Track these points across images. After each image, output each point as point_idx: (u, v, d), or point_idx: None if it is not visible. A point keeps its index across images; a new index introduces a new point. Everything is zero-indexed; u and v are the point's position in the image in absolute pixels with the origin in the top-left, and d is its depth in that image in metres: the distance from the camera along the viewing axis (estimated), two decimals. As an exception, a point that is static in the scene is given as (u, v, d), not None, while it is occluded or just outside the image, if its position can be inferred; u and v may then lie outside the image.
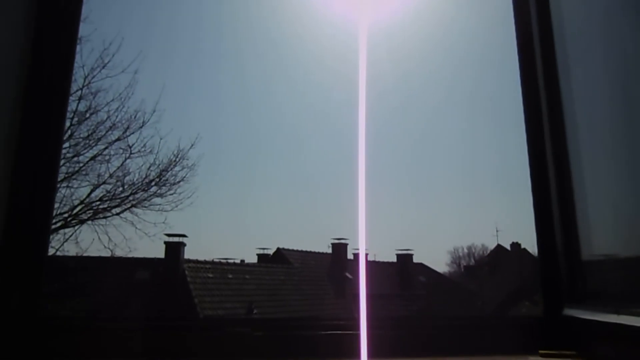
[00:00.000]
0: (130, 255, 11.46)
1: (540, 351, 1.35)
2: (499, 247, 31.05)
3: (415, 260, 24.97)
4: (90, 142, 10.80)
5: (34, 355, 1.22)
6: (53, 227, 10.57)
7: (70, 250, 10.39)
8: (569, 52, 1.51)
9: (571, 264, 1.44)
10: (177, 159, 11.85)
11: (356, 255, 23.85)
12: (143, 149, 11.30)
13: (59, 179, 10.44)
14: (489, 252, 32.99)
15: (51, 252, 10.11)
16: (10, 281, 1.22)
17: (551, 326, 1.43)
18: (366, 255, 22.32)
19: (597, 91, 1.38)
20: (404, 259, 24.51)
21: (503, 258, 29.48)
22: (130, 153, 11.17)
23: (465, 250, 36.25)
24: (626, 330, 1.08)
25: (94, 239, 10.79)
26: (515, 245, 30.06)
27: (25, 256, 1.25)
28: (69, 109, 10.02)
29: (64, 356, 1.23)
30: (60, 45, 1.38)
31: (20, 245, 1.25)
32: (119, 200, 11.35)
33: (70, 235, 10.35)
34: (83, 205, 10.86)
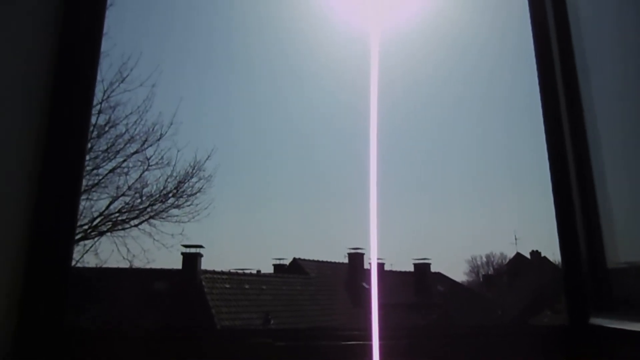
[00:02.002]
0: (148, 267, 11.59)
1: (566, 361, 1.32)
2: (518, 255, 30.56)
3: (433, 269, 24.70)
4: (109, 155, 11.02)
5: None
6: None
7: (90, 261, 10.56)
8: (587, 50, 1.49)
9: (596, 271, 1.41)
10: (194, 171, 12.01)
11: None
12: (161, 161, 11.49)
13: (78, 192, 10.61)
14: (508, 260, 32.49)
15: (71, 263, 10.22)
16: (36, 291, 1.24)
17: (577, 335, 1.39)
18: (382, 264, 22.22)
19: (619, 90, 1.36)
20: (422, 268, 24.25)
21: (523, 266, 29.01)
22: (148, 165, 11.37)
23: (484, 259, 35.81)
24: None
25: (112, 251, 10.94)
26: (535, 254, 29.54)
27: (50, 266, 1.27)
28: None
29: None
30: (83, 58, 1.42)
31: (46, 255, 1.27)
32: (137, 212, 11.53)
33: (90, 247, 10.51)
34: (102, 217, 11.04)
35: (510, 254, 31.95)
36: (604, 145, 1.42)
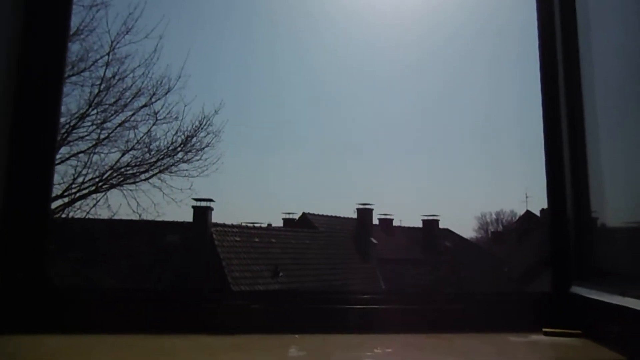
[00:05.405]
0: (160, 219, 11.79)
1: (544, 329, 1.30)
2: (528, 213, 30.52)
3: (442, 225, 24.84)
4: (117, 109, 10.97)
5: (42, 327, 1.23)
6: (85, 191, 10.93)
7: (102, 214, 10.74)
8: (590, 17, 1.39)
9: (581, 239, 1.36)
10: (202, 125, 11.96)
11: (381, 221, 23.89)
12: (169, 116, 11.43)
13: (89, 146, 10.70)
14: (517, 218, 32.53)
15: (83, 215, 10.49)
16: (13, 250, 1.24)
17: (557, 304, 1.37)
18: (391, 220, 22.33)
19: (618, 46, 1.27)
20: (430, 224, 24.40)
21: (532, 224, 29.01)
22: (157, 119, 11.31)
23: (494, 216, 35.86)
24: (631, 313, 1.02)
25: (120, 204, 11.07)
26: (545, 212, 29.46)
27: (27, 222, 1.26)
28: (96, 75, 10.01)
29: (74, 329, 1.23)
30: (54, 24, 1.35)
31: (22, 211, 1.26)
32: (146, 166, 11.60)
33: (99, 200, 10.67)
34: (112, 170, 11.14)
35: (521, 212, 31.95)
36: (599, 107, 1.33)
